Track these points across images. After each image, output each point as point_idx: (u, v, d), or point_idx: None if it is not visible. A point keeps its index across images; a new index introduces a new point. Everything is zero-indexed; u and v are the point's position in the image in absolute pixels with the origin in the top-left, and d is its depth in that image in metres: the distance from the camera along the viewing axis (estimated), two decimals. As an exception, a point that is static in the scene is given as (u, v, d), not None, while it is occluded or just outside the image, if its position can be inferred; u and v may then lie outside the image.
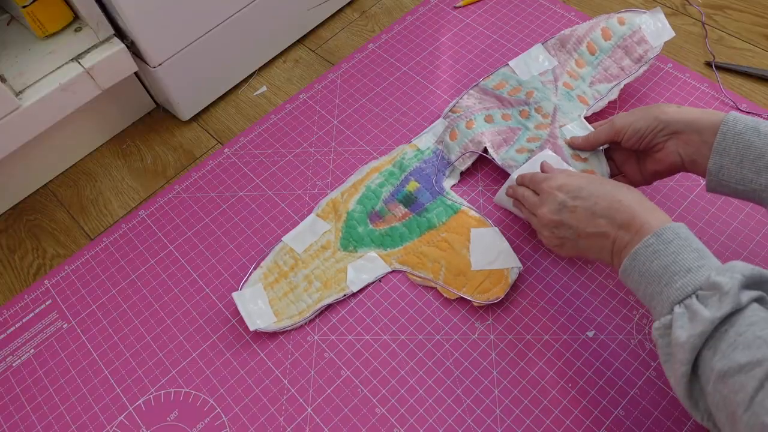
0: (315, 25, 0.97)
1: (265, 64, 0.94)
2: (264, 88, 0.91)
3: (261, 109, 0.88)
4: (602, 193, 0.53)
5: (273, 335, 0.66)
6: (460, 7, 0.95)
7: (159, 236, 0.75)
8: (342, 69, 0.90)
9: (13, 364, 0.67)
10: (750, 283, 0.42)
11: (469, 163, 0.74)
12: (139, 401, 0.63)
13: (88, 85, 0.75)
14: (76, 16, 0.76)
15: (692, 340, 0.41)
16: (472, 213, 0.70)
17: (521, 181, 0.63)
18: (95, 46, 0.75)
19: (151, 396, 0.64)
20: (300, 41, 0.96)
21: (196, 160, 0.84)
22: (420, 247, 0.69)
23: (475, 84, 0.80)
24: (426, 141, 0.77)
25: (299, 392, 0.62)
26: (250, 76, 0.93)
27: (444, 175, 0.74)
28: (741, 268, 0.42)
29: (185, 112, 0.87)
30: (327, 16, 0.98)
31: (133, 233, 0.76)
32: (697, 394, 0.43)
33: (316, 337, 0.65)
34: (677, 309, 0.44)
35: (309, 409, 0.61)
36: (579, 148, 0.68)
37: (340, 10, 1.00)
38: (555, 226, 0.56)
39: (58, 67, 0.73)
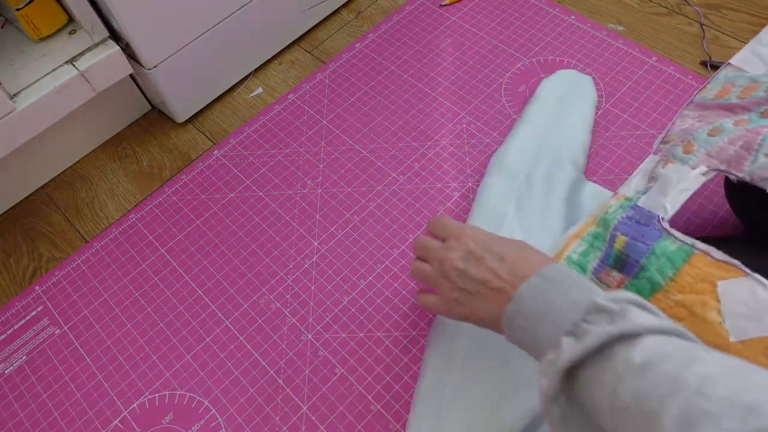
0: (311, 27, 0.97)
1: (260, 66, 0.94)
2: (260, 90, 0.91)
3: (257, 110, 0.88)
4: (510, 248, 0.49)
5: (266, 335, 0.66)
6: (446, 5, 0.95)
7: (150, 240, 0.75)
8: (330, 69, 0.90)
9: (6, 372, 0.67)
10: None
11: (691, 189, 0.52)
12: (134, 405, 0.63)
13: (83, 88, 0.74)
14: (71, 19, 0.75)
15: (576, 353, 0.38)
16: (714, 255, 0.46)
17: (431, 228, 0.57)
18: (90, 49, 0.74)
19: (145, 399, 0.63)
20: (296, 43, 0.97)
21: (192, 162, 0.84)
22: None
23: (688, 102, 0.60)
24: (635, 185, 0.56)
25: (294, 391, 0.62)
26: (246, 77, 0.93)
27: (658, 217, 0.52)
28: (627, 296, 0.40)
29: (181, 114, 0.87)
30: (323, 18, 0.98)
31: (124, 237, 0.76)
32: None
33: (309, 336, 0.66)
34: (564, 339, 0.40)
35: (305, 408, 0.61)
36: None
37: (336, 12, 1.00)
38: (459, 274, 0.50)
39: (53, 70, 0.73)
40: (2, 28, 0.77)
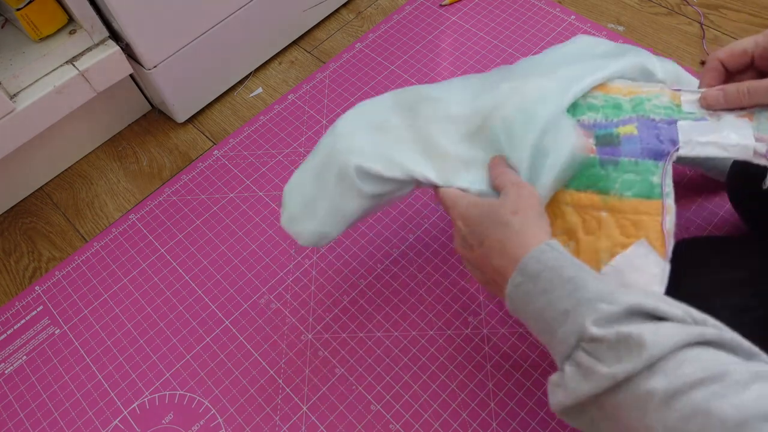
0: (310, 27, 0.97)
1: (260, 66, 0.94)
2: (260, 90, 0.91)
3: (256, 110, 0.88)
4: (495, 226, 0.44)
5: (266, 335, 0.66)
6: (446, 5, 0.95)
7: (150, 239, 0.75)
8: (330, 69, 0.90)
9: (6, 372, 0.67)
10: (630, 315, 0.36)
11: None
12: (134, 405, 0.63)
13: (83, 88, 0.74)
14: (71, 19, 0.75)
15: (584, 393, 0.35)
16: (668, 222, 0.44)
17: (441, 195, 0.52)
18: (90, 49, 0.74)
19: (146, 399, 0.63)
20: (295, 42, 0.97)
21: (192, 162, 0.84)
22: (565, 203, 0.48)
23: None
24: (694, 102, 0.48)
25: (294, 391, 0.62)
26: (246, 77, 0.93)
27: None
28: (628, 302, 0.36)
29: (181, 114, 0.87)
30: (322, 18, 0.98)
31: (124, 237, 0.76)
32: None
33: (310, 336, 0.66)
34: (567, 368, 0.37)
35: (305, 408, 0.61)
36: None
37: (336, 11, 1.00)
38: (465, 258, 0.49)
39: (53, 70, 0.73)
40: (2, 28, 0.77)
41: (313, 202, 0.53)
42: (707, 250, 0.55)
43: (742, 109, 0.46)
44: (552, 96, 0.49)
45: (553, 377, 0.38)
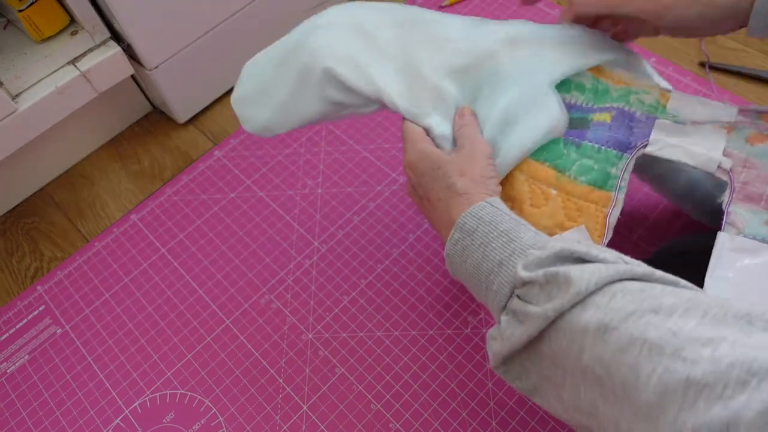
0: (307, 27, 0.97)
1: (258, 66, 0.94)
2: (256, 90, 0.91)
3: (251, 111, 0.89)
4: (440, 184, 0.44)
5: (267, 335, 0.66)
6: (445, 6, 0.96)
7: (151, 239, 0.75)
8: (330, 69, 0.91)
9: (8, 371, 0.67)
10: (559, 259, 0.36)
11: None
12: (135, 404, 0.63)
13: (85, 89, 0.75)
14: (72, 20, 0.76)
15: (520, 340, 0.35)
16: (613, 215, 0.45)
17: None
18: (91, 50, 0.75)
19: (147, 398, 0.64)
20: (289, 43, 0.97)
21: (193, 162, 0.84)
22: (519, 170, 0.48)
23: None
24: (685, 106, 0.47)
25: (294, 390, 0.62)
26: (245, 78, 0.93)
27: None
28: (554, 246, 0.36)
29: (182, 115, 0.87)
30: (318, 18, 0.98)
31: (126, 237, 0.76)
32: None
33: (310, 336, 0.66)
34: (503, 317, 0.37)
35: (305, 407, 0.61)
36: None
37: (331, 12, 1.00)
38: (415, 203, 0.49)
39: (55, 71, 0.73)
40: (4, 29, 0.78)
41: (270, 91, 0.50)
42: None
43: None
44: (547, 64, 0.48)
45: (490, 331, 0.39)
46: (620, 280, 0.33)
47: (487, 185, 0.43)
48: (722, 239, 0.43)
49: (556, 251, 0.35)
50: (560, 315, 0.33)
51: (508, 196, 0.48)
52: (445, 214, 0.43)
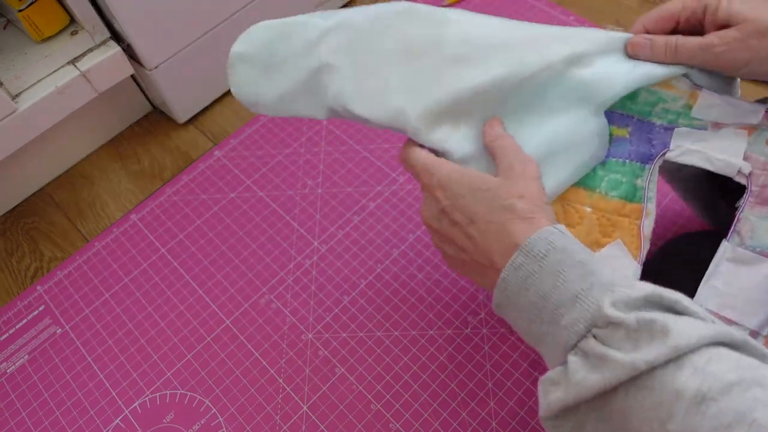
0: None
1: (256, 67, 0.94)
2: (255, 90, 0.91)
3: (254, 111, 0.89)
4: (493, 206, 0.39)
5: (267, 335, 0.66)
6: (446, 6, 0.96)
7: (151, 239, 0.75)
8: (330, 69, 0.91)
9: (8, 371, 0.67)
10: (649, 304, 0.32)
11: None
12: (135, 404, 0.63)
13: (85, 89, 0.75)
14: (72, 20, 0.76)
15: (593, 386, 0.30)
16: (646, 227, 0.44)
17: (402, 163, 0.45)
18: (91, 50, 0.75)
19: (147, 398, 0.64)
20: (290, 43, 0.97)
21: (193, 162, 0.84)
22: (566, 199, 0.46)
23: None
24: (713, 110, 0.44)
25: (294, 390, 0.62)
26: (243, 78, 0.93)
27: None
28: (645, 290, 0.31)
29: (182, 115, 0.87)
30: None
31: (126, 237, 0.76)
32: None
33: (310, 336, 0.66)
34: (572, 359, 0.32)
35: (305, 407, 0.61)
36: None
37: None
38: (434, 234, 0.43)
39: (55, 71, 0.73)
40: (4, 29, 0.78)
41: (272, 72, 0.46)
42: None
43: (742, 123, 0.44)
44: (603, 88, 0.44)
45: (550, 374, 0.33)
46: (717, 343, 0.29)
47: (546, 210, 0.39)
48: (723, 248, 0.42)
49: (647, 294, 0.31)
50: (650, 369, 0.29)
51: None
52: (501, 237, 0.38)
